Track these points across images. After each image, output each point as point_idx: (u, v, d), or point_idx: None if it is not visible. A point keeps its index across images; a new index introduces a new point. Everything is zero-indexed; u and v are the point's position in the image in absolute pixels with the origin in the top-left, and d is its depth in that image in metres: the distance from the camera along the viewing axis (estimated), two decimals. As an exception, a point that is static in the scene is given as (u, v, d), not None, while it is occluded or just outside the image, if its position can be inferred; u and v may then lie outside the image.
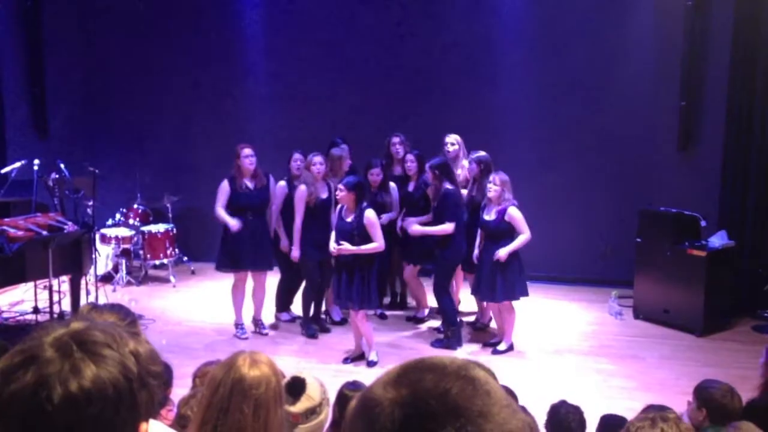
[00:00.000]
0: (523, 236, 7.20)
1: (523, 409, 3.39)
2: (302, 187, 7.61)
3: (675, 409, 3.91)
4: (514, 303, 7.46)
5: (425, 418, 1.00)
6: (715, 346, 7.76)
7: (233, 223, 7.57)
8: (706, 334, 7.99)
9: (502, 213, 7.19)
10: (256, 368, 2.54)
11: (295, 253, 7.70)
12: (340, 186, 7.02)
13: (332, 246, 7.07)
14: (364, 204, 7.02)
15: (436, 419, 1.00)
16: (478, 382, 1.06)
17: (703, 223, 8.20)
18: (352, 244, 6.92)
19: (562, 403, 4.10)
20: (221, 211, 7.68)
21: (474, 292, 7.74)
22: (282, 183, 7.92)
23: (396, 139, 8.33)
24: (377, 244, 6.96)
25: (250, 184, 7.73)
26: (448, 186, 7.35)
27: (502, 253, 7.16)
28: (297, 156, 7.98)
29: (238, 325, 7.99)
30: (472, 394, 1.04)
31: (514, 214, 7.19)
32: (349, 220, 7.00)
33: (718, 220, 8.56)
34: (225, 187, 7.74)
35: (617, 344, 7.86)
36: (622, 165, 9.46)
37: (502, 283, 7.26)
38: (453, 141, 8.13)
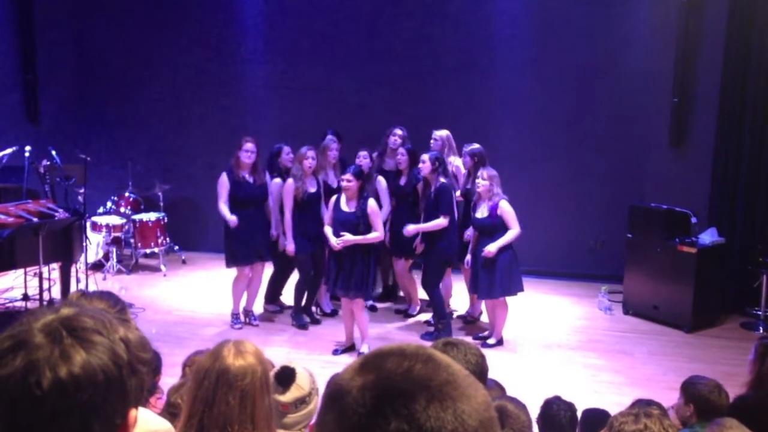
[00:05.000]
0: (513, 231, 7.21)
1: (512, 398, 3.40)
2: (290, 181, 7.61)
3: (662, 404, 3.94)
4: (509, 298, 7.49)
5: (395, 397, 1.03)
6: (703, 343, 7.81)
7: (231, 219, 7.58)
8: (694, 330, 8.03)
9: (494, 209, 7.21)
10: (241, 358, 2.52)
11: (290, 246, 7.68)
12: (348, 176, 6.96)
13: (333, 239, 6.99)
14: (365, 193, 7.05)
15: (406, 395, 1.03)
16: (437, 357, 1.10)
17: (693, 220, 8.23)
18: (357, 233, 6.91)
19: (556, 399, 4.12)
20: (224, 207, 7.66)
21: (471, 289, 7.73)
22: (277, 180, 7.85)
23: (398, 132, 8.24)
24: (379, 233, 7.01)
25: (249, 178, 7.72)
26: (443, 180, 7.36)
27: (492, 248, 7.16)
28: (287, 149, 8.00)
29: (234, 315, 7.99)
30: (435, 368, 1.07)
31: (506, 208, 7.20)
32: (350, 210, 6.98)
33: (708, 217, 8.59)
34: (224, 180, 7.69)
35: (606, 339, 7.89)
36: (614, 160, 9.49)
37: (499, 279, 7.26)
38: (437, 137, 8.08)
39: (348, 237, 6.90)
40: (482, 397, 1.08)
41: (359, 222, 6.93)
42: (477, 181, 7.27)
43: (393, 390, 1.04)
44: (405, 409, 1.01)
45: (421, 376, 1.06)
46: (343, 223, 6.98)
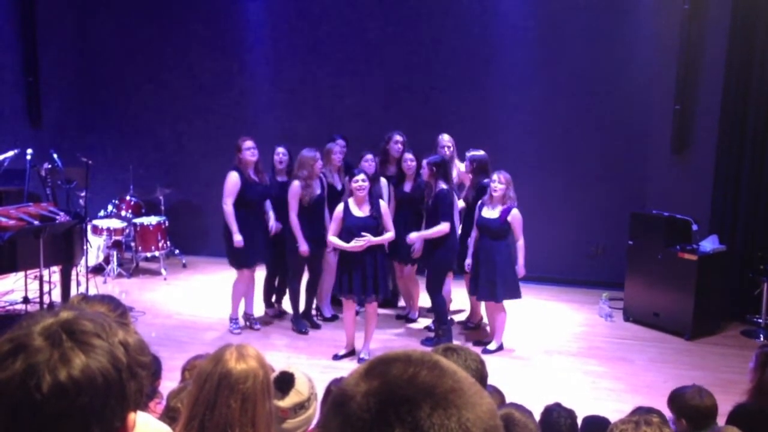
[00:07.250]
0: (521, 243, 7.33)
1: (518, 405, 3.39)
2: (296, 183, 7.57)
3: (663, 412, 3.92)
4: (506, 303, 7.48)
5: (399, 403, 1.03)
6: (704, 350, 7.79)
7: (238, 239, 7.50)
8: (695, 337, 8.02)
9: (506, 212, 7.21)
10: (243, 362, 2.52)
11: (303, 247, 7.59)
12: (362, 177, 6.97)
13: (353, 242, 6.88)
14: (374, 196, 7.11)
15: (410, 402, 1.02)
16: (442, 364, 1.10)
17: (694, 227, 8.23)
18: (378, 235, 6.95)
19: (556, 406, 4.11)
20: (230, 211, 7.53)
21: (472, 292, 7.72)
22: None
23: (399, 138, 8.20)
24: (392, 233, 7.08)
25: (255, 178, 7.71)
26: (443, 185, 7.34)
27: (522, 270, 7.37)
28: (280, 150, 7.98)
29: (233, 319, 7.98)
30: (440, 375, 1.07)
31: (518, 216, 7.25)
32: (366, 214, 6.96)
33: (709, 224, 8.58)
34: (235, 179, 7.55)
35: (606, 346, 7.88)
36: (616, 167, 9.49)
37: (500, 283, 7.27)
38: (449, 144, 8.08)
39: (370, 238, 6.90)
40: (487, 405, 1.07)
41: (378, 224, 6.97)
42: (493, 185, 7.23)
43: (397, 396, 1.04)
44: (409, 415, 1.01)
45: (426, 382, 1.05)
46: (362, 228, 6.91)
